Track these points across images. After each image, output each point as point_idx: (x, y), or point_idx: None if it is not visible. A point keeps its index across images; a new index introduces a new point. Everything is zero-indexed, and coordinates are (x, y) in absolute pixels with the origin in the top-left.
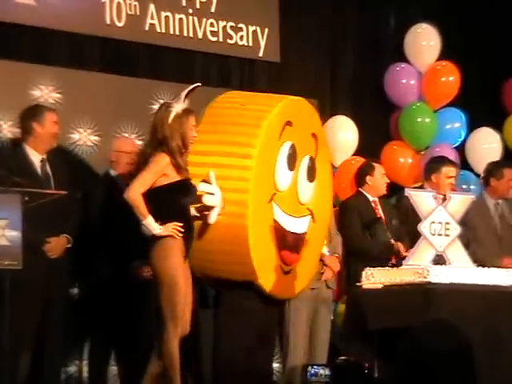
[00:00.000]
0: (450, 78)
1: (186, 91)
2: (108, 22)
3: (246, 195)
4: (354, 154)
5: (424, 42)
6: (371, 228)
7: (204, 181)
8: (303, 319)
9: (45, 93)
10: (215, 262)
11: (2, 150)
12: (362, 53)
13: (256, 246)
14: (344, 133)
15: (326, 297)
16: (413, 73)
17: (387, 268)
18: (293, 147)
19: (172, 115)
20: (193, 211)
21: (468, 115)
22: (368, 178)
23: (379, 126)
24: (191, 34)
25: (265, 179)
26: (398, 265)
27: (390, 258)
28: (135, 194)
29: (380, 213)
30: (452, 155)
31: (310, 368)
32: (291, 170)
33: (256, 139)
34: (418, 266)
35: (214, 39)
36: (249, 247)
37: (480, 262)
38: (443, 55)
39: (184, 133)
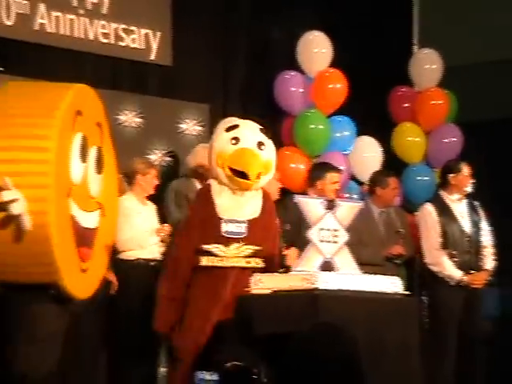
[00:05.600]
0: (338, 86)
1: None
2: None
3: (46, 190)
4: None
5: (316, 49)
6: None
7: (1, 188)
8: None
9: None
10: (12, 264)
11: None
12: (255, 58)
13: (59, 244)
14: None
15: None
16: (302, 80)
17: (276, 274)
18: (84, 138)
19: None
20: None
21: (355, 123)
22: None
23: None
24: (82, 35)
25: (62, 173)
26: (286, 271)
27: None
28: None
29: None
30: (342, 162)
31: (197, 373)
32: (84, 162)
33: (51, 130)
34: (307, 272)
35: (106, 41)
36: (52, 246)
37: (365, 262)
38: (335, 63)
39: None
